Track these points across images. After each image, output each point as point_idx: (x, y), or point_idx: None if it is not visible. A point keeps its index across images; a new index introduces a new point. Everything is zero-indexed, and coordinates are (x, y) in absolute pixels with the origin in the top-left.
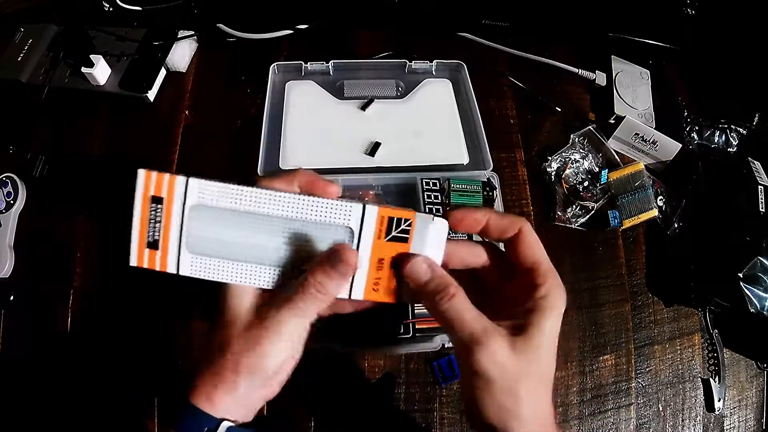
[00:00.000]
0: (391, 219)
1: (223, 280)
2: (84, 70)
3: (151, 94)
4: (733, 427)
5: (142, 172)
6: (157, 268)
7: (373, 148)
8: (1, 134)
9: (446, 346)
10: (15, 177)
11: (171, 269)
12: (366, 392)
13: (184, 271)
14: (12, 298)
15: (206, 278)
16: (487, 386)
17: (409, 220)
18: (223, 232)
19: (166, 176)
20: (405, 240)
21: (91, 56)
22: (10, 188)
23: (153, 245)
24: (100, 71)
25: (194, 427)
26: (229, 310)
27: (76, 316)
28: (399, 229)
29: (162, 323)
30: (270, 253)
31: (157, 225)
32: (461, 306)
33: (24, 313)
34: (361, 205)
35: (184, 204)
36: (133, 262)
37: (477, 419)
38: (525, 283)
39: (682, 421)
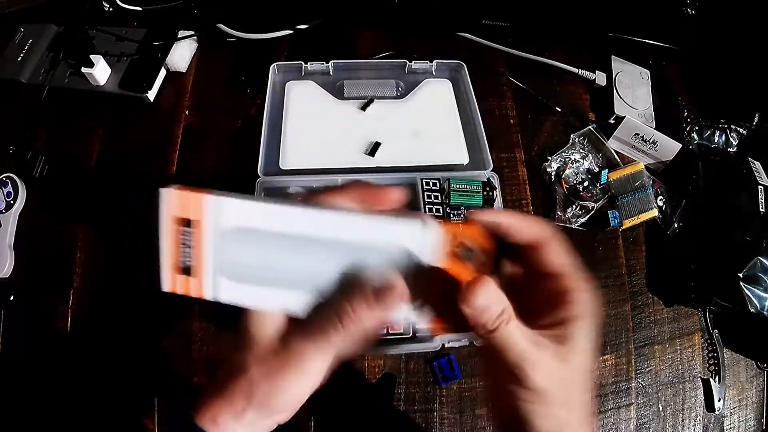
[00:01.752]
0: (454, 237)
1: (265, 308)
2: (84, 70)
3: (151, 94)
4: (733, 427)
5: (166, 192)
6: (193, 295)
7: (373, 148)
8: (1, 134)
9: (446, 346)
10: (15, 177)
11: (207, 296)
12: (366, 392)
13: (223, 299)
14: (12, 298)
15: (246, 305)
16: (542, 400)
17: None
18: (264, 255)
19: (195, 195)
20: (469, 258)
21: (91, 56)
22: (10, 188)
23: (186, 271)
24: (100, 71)
25: None
26: (252, 332)
27: (76, 316)
28: (461, 248)
29: (162, 323)
30: (314, 278)
31: (189, 250)
32: (514, 325)
33: (24, 313)
34: (419, 222)
35: (216, 226)
36: (166, 288)
37: None
38: (553, 288)
39: (682, 421)
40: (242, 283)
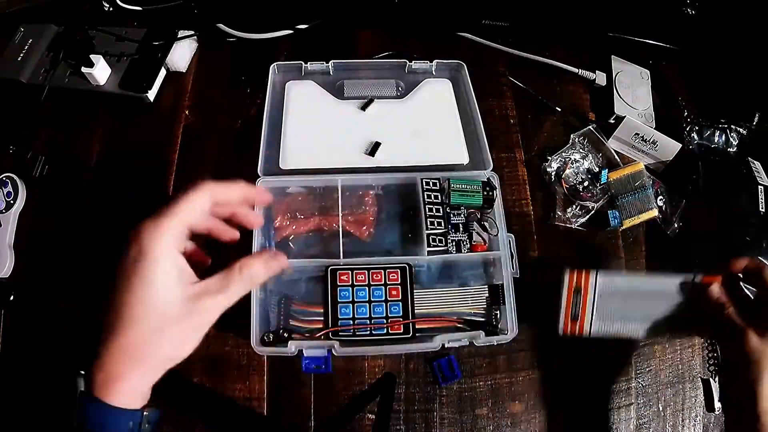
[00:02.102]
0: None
1: (622, 335)
2: (84, 70)
3: (151, 94)
4: None
5: (568, 272)
6: (577, 333)
7: (373, 148)
8: (1, 134)
9: (446, 346)
10: (15, 177)
11: (585, 333)
12: (366, 392)
13: (593, 333)
14: (12, 298)
15: (612, 335)
16: None
17: None
18: (624, 303)
19: (584, 273)
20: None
21: (91, 56)
22: (10, 188)
23: (575, 318)
24: (100, 71)
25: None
26: (152, 302)
27: (76, 316)
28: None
29: None
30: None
31: (578, 305)
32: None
33: (24, 313)
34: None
35: (595, 291)
36: (561, 331)
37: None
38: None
39: (682, 421)
40: (608, 321)
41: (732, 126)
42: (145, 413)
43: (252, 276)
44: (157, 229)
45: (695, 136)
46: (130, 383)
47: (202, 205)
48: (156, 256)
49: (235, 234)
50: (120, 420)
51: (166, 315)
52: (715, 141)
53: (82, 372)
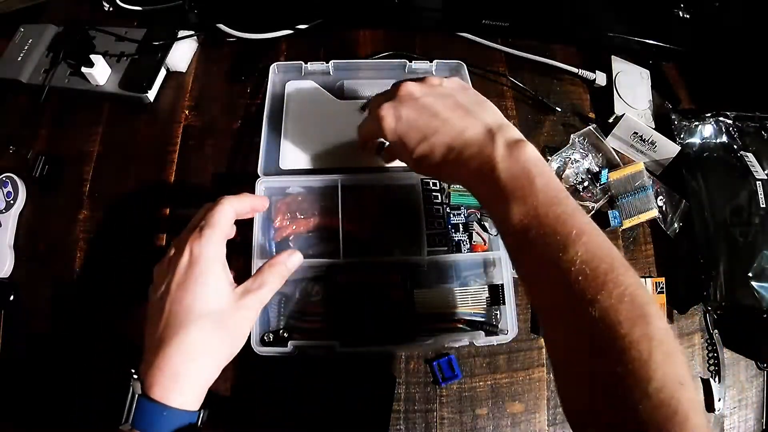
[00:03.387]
0: None
1: None
2: (84, 70)
3: (151, 94)
4: (733, 427)
5: None
6: None
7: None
8: (1, 134)
9: (446, 346)
10: (15, 177)
11: None
12: (366, 392)
13: None
14: (12, 298)
15: None
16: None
17: None
18: None
19: None
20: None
21: (91, 56)
22: (10, 188)
23: None
24: (100, 71)
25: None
26: (209, 303)
27: (76, 316)
28: None
29: None
30: None
31: None
32: None
33: (24, 313)
34: None
35: None
36: None
37: None
38: None
39: None
40: None
41: (729, 123)
42: (201, 412)
43: (280, 271)
44: (206, 239)
45: (694, 135)
46: (190, 383)
47: (231, 217)
48: (208, 262)
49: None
50: (179, 420)
51: (221, 313)
52: (714, 139)
53: (134, 374)
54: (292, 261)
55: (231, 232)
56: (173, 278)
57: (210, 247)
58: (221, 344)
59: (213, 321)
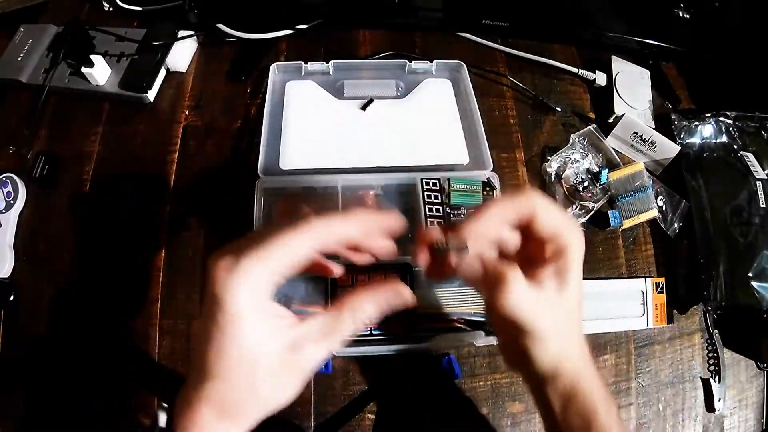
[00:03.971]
0: None
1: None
2: (84, 70)
3: (151, 94)
4: (733, 427)
5: None
6: None
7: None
8: (1, 134)
9: (446, 345)
10: (15, 177)
11: None
12: (366, 392)
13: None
14: (12, 298)
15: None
16: (542, 337)
17: None
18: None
19: None
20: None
21: (91, 56)
22: (10, 188)
23: None
24: (100, 71)
25: None
26: (238, 359)
27: (76, 316)
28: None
29: (162, 323)
30: None
31: None
32: (519, 288)
33: (24, 313)
34: None
35: None
36: None
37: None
38: (551, 239)
39: (682, 421)
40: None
41: (730, 123)
42: None
43: (363, 318)
44: (236, 277)
45: (694, 135)
46: None
47: (303, 252)
48: (236, 312)
49: (363, 258)
50: None
51: (258, 371)
52: (713, 139)
53: (166, 406)
54: (390, 303)
55: (304, 265)
56: (203, 309)
57: (239, 293)
58: (257, 403)
59: (246, 380)
